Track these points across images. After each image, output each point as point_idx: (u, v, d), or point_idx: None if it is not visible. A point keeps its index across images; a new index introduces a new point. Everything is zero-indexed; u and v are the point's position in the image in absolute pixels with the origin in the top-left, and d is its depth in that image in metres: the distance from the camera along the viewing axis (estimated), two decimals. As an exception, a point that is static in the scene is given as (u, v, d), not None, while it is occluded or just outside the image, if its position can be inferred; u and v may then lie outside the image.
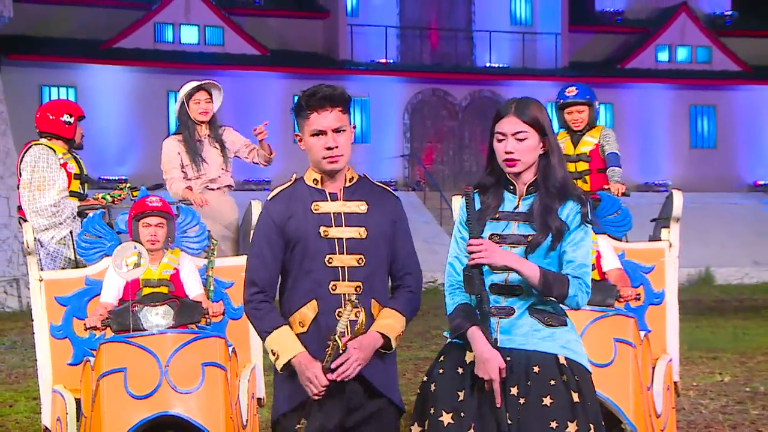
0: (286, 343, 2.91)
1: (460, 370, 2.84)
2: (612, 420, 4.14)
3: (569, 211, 2.83)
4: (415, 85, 22.53)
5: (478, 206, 2.91)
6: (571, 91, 5.29)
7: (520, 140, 2.84)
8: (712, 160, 23.71)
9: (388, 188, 3.12)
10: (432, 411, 2.83)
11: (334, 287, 2.95)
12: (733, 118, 24.05)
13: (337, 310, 2.94)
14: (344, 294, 2.94)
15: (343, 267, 2.95)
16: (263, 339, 2.97)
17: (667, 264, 4.96)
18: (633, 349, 4.28)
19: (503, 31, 23.31)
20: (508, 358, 2.81)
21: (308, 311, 2.95)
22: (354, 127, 3.06)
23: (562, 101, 5.28)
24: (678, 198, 5.00)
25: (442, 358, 2.91)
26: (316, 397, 2.86)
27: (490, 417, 2.78)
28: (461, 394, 2.82)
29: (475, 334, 2.80)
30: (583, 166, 5.27)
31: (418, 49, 23.16)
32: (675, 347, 5.00)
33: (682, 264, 5.46)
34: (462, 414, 2.79)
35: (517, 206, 2.88)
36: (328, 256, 2.94)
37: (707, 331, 10.69)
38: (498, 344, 2.81)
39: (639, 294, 4.52)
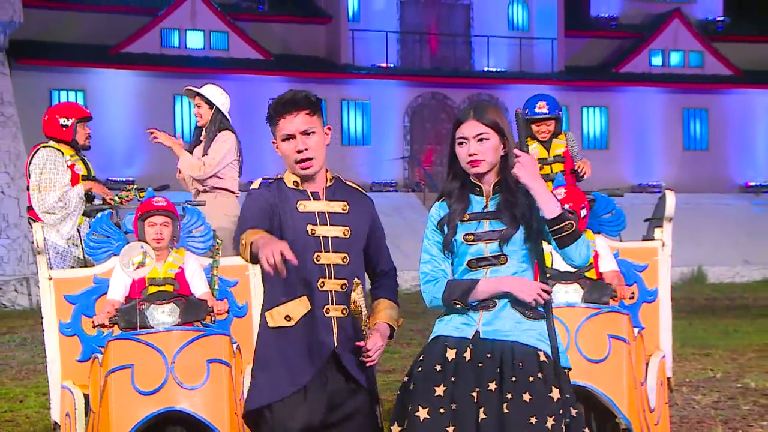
0: (259, 233, 2.83)
1: (439, 367, 2.86)
2: (606, 414, 4.24)
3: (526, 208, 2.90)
4: (414, 89, 22.58)
5: (446, 211, 2.95)
6: (542, 107, 5.35)
7: (482, 141, 2.89)
8: (705, 161, 23.75)
9: (362, 190, 3.15)
10: (410, 408, 2.83)
11: (322, 284, 2.97)
12: (724, 121, 24.09)
13: (325, 307, 2.96)
14: (331, 291, 2.96)
15: (330, 264, 2.97)
16: (238, 242, 2.86)
17: (660, 263, 5.03)
18: (627, 345, 4.32)
19: (501, 36, 23.34)
20: (489, 355, 2.84)
21: (299, 306, 2.96)
22: (329, 129, 3.06)
23: (531, 116, 5.34)
24: (671, 198, 5.07)
25: (421, 358, 2.92)
26: (272, 269, 2.69)
27: (468, 413, 2.79)
28: (438, 390, 2.83)
29: (484, 281, 2.86)
30: (559, 167, 5.38)
31: (417, 53, 23.18)
32: (668, 344, 5.06)
33: (675, 263, 5.47)
34: (441, 410, 2.80)
35: (485, 206, 2.93)
36: (316, 254, 2.96)
37: (699, 329, 10.70)
38: (481, 336, 2.86)
39: (633, 292, 4.61)
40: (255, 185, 3.06)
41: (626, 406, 4.22)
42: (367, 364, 2.97)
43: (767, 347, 9.16)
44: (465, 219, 2.92)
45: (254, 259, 2.79)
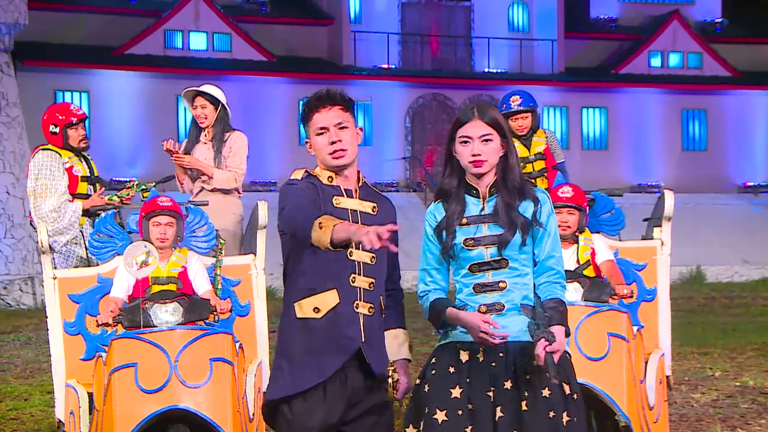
0: (335, 220, 2.82)
1: (452, 369, 2.89)
2: (606, 412, 4.29)
3: (525, 211, 2.93)
4: (416, 90, 22.60)
5: (442, 214, 2.97)
6: (516, 100, 5.47)
7: (486, 142, 2.91)
8: (703, 162, 23.75)
9: (385, 195, 3.17)
10: (426, 410, 2.87)
11: (353, 279, 2.97)
12: (723, 122, 24.08)
13: (355, 302, 2.96)
14: (360, 288, 2.98)
15: (360, 262, 2.99)
16: (301, 227, 2.83)
17: (659, 262, 5.05)
18: (626, 343, 4.36)
19: (501, 37, 23.32)
20: (501, 354, 2.87)
21: (329, 299, 2.96)
22: (361, 129, 3.09)
23: (506, 111, 5.44)
24: (669, 198, 5.07)
25: (434, 360, 2.95)
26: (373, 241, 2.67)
27: (485, 413, 2.83)
28: (454, 391, 2.86)
29: (452, 312, 2.91)
30: (540, 164, 5.49)
31: (418, 54, 23.18)
32: (667, 342, 5.08)
33: (674, 262, 5.47)
34: (459, 412, 2.83)
35: (482, 208, 2.94)
36: (349, 249, 2.93)
37: (698, 328, 10.72)
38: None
39: (632, 291, 4.60)
40: (297, 176, 3.06)
41: (626, 404, 4.25)
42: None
43: (765, 346, 9.16)
44: (463, 223, 2.93)
45: (334, 243, 2.77)
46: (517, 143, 5.47)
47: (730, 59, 24.41)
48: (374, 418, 3.02)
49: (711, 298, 15.05)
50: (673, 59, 24.50)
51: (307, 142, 3.08)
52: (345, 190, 3.05)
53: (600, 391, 4.24)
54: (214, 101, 5.53)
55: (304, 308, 2.98)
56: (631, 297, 4.64)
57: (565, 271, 4.51)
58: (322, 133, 3.01)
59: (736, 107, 24.27)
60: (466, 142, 2.93)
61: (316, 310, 2.96)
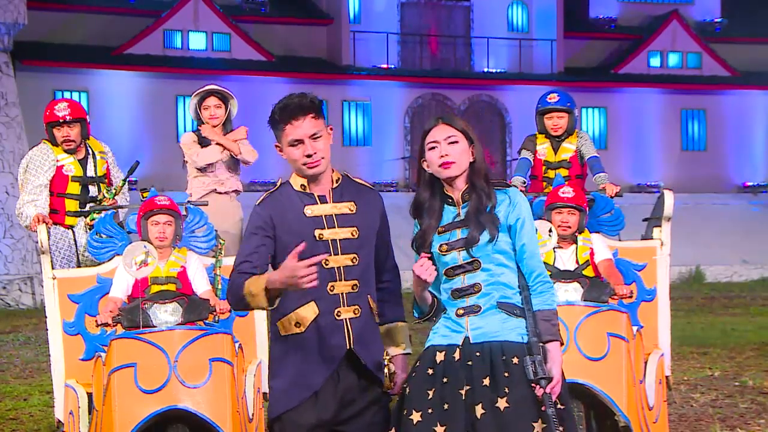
0: (258, 280, 2.87)
1: (431, 371, 2.92)
2: (605, 412, 4.28)
3: (496, 212, 2.96)
4: (415, 90, 22.63)
5: (418, 228, 3.00)
6: (553, 97, 5.42)
7: (452, 144, 2.93)
8: (703, 162, 23.79)
9: (369, 186, 3.14)
10: (405, 411, 2.91)
11: (332, 288, 2.96)
12: (722, 122, 24.14)
13: (336, 310, 2.96)
14: (342, 293, 2.97)
15: (339, 267, 2.97)
16: (239, 301, 2.90)
17: (659, 262, 5.06)
18: (626, 343, 4.36)
19: (500, 37, 23.37)
20: (478, 353, 2.89)
21: (307, 312, 2.96)
22: (331, 128, 3.04)
23: (542, 107, 5.44)
24: (669, 198, 5.09)
25: (417, 364, 2.98)
26: (311, 282, 2.77)
27: (457, 411, 2.86)
28: (431, 393, 2.90)
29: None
30: (563, 172, 5.39)
31: (418, 54, 23.24)
32: (666, 342, 5.08)
33: (674, 262, 5.50)
34: (430, 411, 2.87)
35: (458, 215, 2.96)
36: (324, 259, 2.93)
37: (698, 328, 10.75)
38: (471, 341, 2.91)
39: (632, 291, 4.61)
40: (258, 202, 3.06)
41: (625, 404, 4.26)
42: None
43: (765, 346, 9.19)
44: (441, 231, 2.96)
45: (272, 302, 2.86)
46: (546, 143, 5.44)
47: (730, 59, 24.44)
48: (369, 416, 3.01)
49: (710, 298, 15.05)
50: (673, 59, 24.54)
51: (277, 147, 3.03)
52: (319, 196, 3.02)
53: (599, 391, 4.24)
54: (225, 101, 5.60)
55: (286, 326, 2.99)
56: (631, 297, 4.65)
57: (565, 271, 4.59)
58: (295, 145, 2.97)
59: (735, 107, 24.30)
60: (433, 147, 2.96)
61: (298, 325, 2.97)
